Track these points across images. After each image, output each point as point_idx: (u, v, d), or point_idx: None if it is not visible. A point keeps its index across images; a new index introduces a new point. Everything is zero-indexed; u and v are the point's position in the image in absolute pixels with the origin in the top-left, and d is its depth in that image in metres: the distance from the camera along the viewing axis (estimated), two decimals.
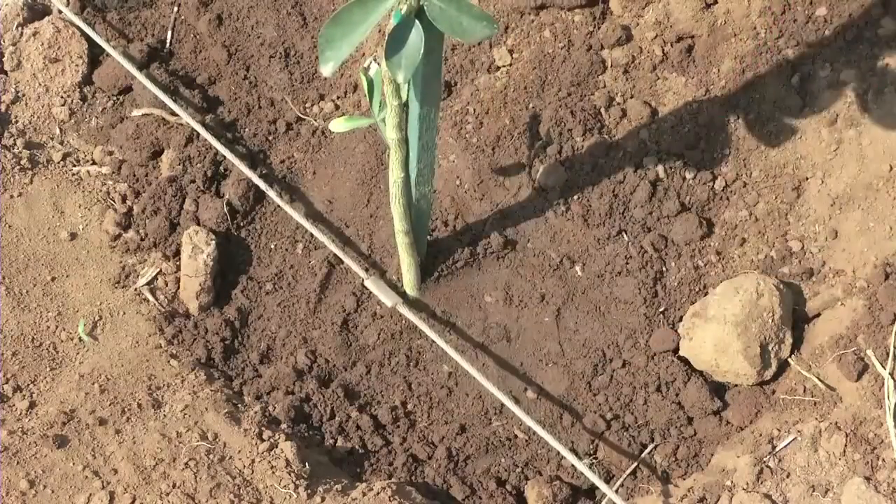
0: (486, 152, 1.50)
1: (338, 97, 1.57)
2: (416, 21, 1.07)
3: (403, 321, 1.41)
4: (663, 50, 1.50)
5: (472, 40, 1.09)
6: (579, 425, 1.39)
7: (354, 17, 1.06)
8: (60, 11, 1.53)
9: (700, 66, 1.49)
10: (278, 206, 1.45)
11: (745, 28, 1.46)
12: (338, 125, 1.25)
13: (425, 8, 1.07)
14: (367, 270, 1.43)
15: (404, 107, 1.20)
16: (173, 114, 1.49)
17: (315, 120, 1.55)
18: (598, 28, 1.51)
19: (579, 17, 1.52)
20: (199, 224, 1.45)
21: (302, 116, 1.56)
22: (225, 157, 1.47)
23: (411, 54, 1.07)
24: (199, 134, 1.47)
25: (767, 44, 1.46)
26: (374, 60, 1.15)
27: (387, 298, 1.38)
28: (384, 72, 1.12)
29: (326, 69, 1.07)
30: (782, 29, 1.46)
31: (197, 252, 1.42)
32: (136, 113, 1.52)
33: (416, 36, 1.07)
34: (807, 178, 1.47)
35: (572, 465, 1.33)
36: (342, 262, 1.44)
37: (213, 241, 1.43)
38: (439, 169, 1.49)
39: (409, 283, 1.43)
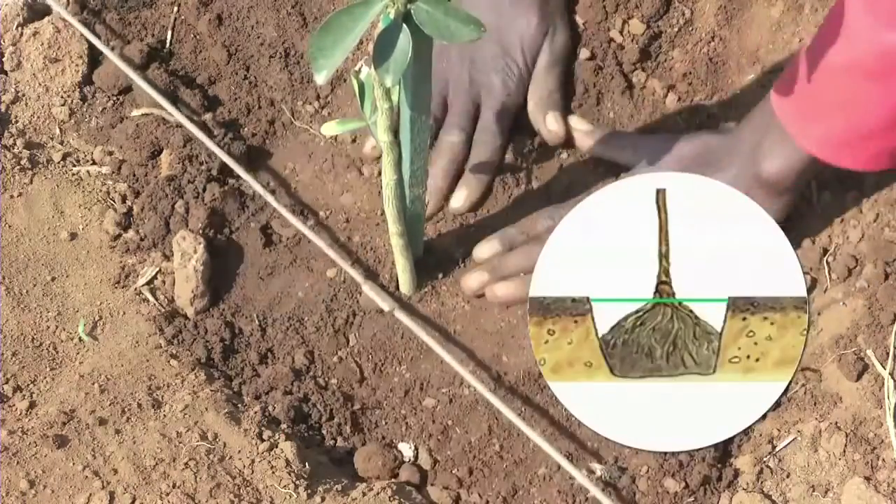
0: None
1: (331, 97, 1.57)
2: (404, 25, 1.07)
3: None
4: None
5: (458, 43, 1.08)
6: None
7: (344, 24, 1.06)
8: (63, 9, 1.53)
9: None
10: (275, 206, 1.44)
11: None
12: (329, 128, 1.25)
13: (412, 12, 1.07)
14: (364, 275, 1.43)
15: (395, 110, 1.20)
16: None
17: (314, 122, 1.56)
18: None
19: None
20: (188, 227, 1.44)
21: (297, 119, 1.56)
22: (225, 157, 1.47)
23: (399, 58, 1.07)
24: (201, 133, 1.47)
25: None
26: (365, 63, 1.15)
27: (384, 304, 1.38)
28: (374, 75, 1.12)
29: (320, 77, 1.07)
30: None
31: (186, 259, 1.42)
32: (135, 113, 1.52)
33: (405, 40, 1.07)
34: None
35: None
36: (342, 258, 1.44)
37: (202, 246, 1.42)
38: None
39: (404, 284, 1.43)
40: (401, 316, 1.38)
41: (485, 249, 1.44)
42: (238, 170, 1.45)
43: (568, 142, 1.52)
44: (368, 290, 1.40)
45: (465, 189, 1.46)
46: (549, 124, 1.47)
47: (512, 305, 1.43)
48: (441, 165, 1.46)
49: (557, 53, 1.49)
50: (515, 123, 1.52)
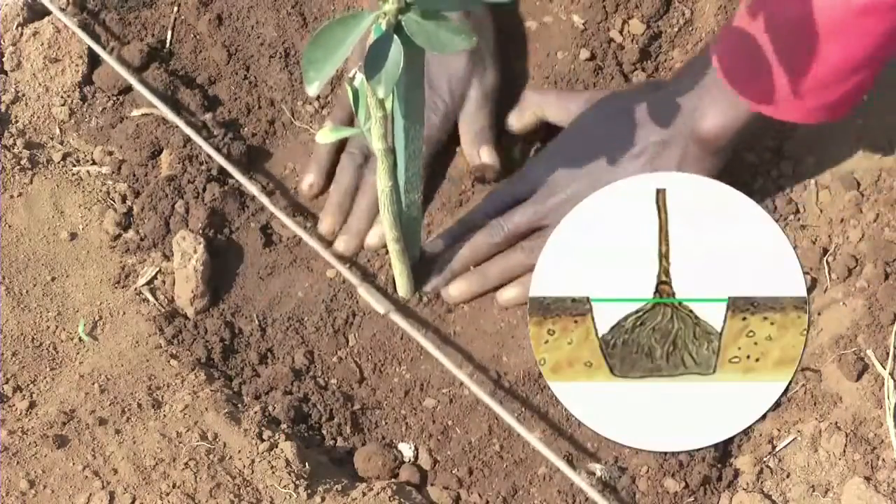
0: None
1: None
2: (395, 36, 1.07)
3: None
4: None
5: (449, 53, 1.09)
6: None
7: (335, 37, 1.07)
8: (62, 13, 1.53)
9: None
10: (272, 210, 1.44)
11: None
12: (323, 136, 1.25)
13: (403, 24, 1.07)
14: (361, 277, 1.43)
15: (389, 118, 1.20)
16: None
17: (314, 122, 1.56)
18: None
19: None
20: (188, 227, 1.44)
21: (297, 119, 1.56)
22: (224, 158, 1.47)
23: (391, 69, 1.08)
24: (198, 133, 1.47)
25: None
26: (360, 71, 1.15)
27: (379, 306, 1.38)
28: (367, 84, 1.12)
29: (311, 89, 1.08)
30: None
31: (186, 259, 1.42)
32: (135, 113, 1.52)
33: (396, 51, 1.07)
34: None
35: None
36: (340, 261, 1.44)
37: (202, 246, 1.42)
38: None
39: (401, 288, 1.43)
40: (397, 318, 1.38)
41: (436, 245, 1.45)
42: (235, 173, 1.45)
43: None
44: (364, 292, 1.39)
45: (378, 227, 1.45)
46: (483, 157, 1.47)
47: (470, 301, 1.44)
48: (363, 206, 1.46)
49: (488, 91, 1.50)
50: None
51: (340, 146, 1.50)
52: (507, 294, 1.43)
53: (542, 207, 1.42)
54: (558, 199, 1.42)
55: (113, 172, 1.50)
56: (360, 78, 1.19)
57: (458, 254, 1.44)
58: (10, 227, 1.44)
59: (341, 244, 1.46)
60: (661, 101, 1.40)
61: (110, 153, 1.52)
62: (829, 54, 1.25)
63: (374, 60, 1.08)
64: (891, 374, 1.34)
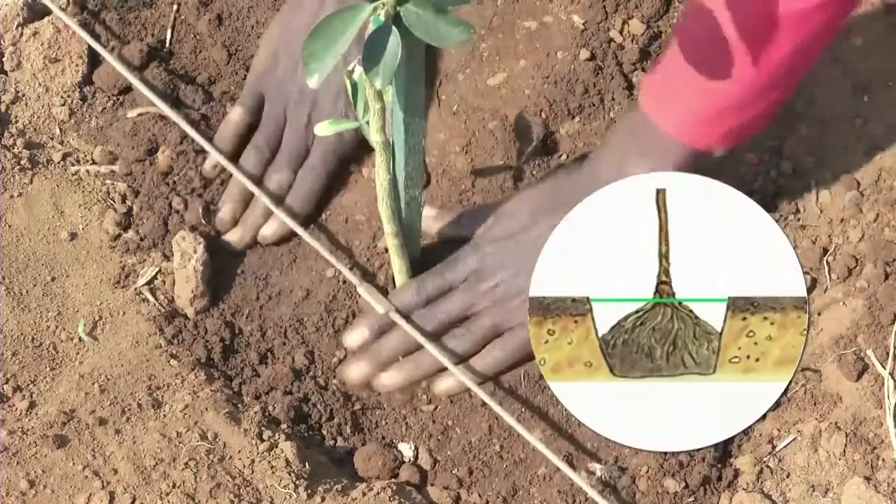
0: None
1: None
2: (394, 27, 1.07)
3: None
4: None
5: (448, 46, 1.08)
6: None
7: (334, 29, 1.07)
8: (63, 13, 1.53)
9: None
10: (273, 210, 1.44)
11: None
12: (322, 129, 1.25)
13: (402, 15, 1.07)
14: (361, 277, 1.43)
15: (387, 110, 1.20)
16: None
17: None
18: None
19: None
20: (188, 227, 1.44)
21: None
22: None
23: (389, 60, 1.08)
24: (196, 130, 1.47)
25: None
26: (358, 63, 1.15)
27: (379, 306, 1.38)
28: (365, 76, 1.12)
29: (312, 81, 1.08)
30: None
31: (186, 259, 1.42)
32: (131, 114, 1.52)
33: (394, 42, 1.07)
34: None
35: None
36: (340, 261, 1.44)
37: (202, 245, 1.42)
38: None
39: (400, 285, 1.43)
40: (396, 318, 1.38)
41: (354, 337, 1.41)
42: (239, 175, 1.45)
43: (563, 145, 1.52)
44: (364, 292, 1.39)
45: (275, 222, 1.45)
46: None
47: (405, 391, 1.41)
48: (264, 203, 1.45)
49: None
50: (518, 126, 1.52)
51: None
52: (445, 384, 1.39)
53: (474, 295, 1.39)
54: (489, 285, 1.39)
55: (113, 172, 1.50)
56: (359, 70, 1.19)
57: (389, 343, 1.40)
58: (10, 227, 1.44)
59: (236, 235, 1.45)
60: (585, 170, 1.40)
61: (110, 153, 1.52)
62: (739, 73, 1.25)
63: (372, 51, 1.08)
64: (891, 374, 1.34)
